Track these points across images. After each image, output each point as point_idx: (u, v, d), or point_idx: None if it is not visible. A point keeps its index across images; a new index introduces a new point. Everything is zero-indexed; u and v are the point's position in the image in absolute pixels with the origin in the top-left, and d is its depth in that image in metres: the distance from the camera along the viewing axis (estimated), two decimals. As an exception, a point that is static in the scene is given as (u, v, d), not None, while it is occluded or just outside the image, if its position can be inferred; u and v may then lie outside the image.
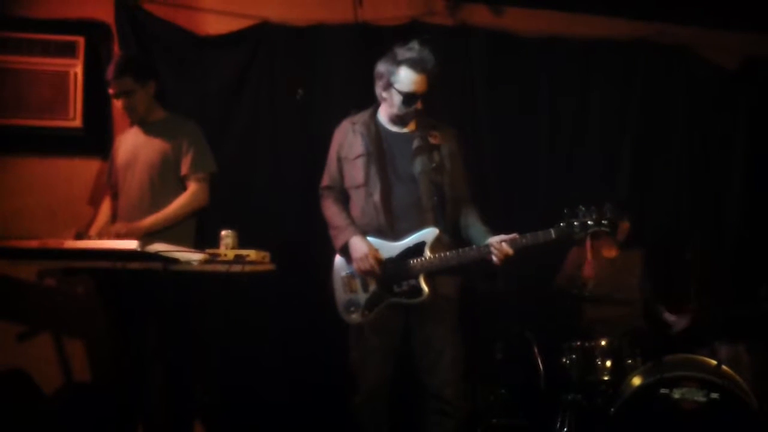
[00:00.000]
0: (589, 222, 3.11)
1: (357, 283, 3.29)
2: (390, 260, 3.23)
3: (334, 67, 4.30)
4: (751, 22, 4.78)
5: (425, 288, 3.19)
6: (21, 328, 3.91)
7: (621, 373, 3.80)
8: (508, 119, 4.59)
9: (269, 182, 4.22)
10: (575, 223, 3.11)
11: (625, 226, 4.33)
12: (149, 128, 3.62)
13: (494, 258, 3.15)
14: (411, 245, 3.22)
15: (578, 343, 3.92)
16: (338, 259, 3.37)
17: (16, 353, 3.84)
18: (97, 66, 3.86)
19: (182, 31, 4.13)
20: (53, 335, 3.94)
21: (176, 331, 3.43)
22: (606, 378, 3.83)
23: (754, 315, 3.83)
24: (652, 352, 3.71)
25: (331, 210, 3.39)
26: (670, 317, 4.26)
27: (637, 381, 3.55)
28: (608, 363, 3.84)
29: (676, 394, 3.33)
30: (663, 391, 3.35)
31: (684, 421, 3.30)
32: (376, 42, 4.32)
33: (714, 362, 3.49)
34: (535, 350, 4.13)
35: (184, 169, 3.58)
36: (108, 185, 3.76)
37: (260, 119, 4.24)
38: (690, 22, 4.80)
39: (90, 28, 3.98)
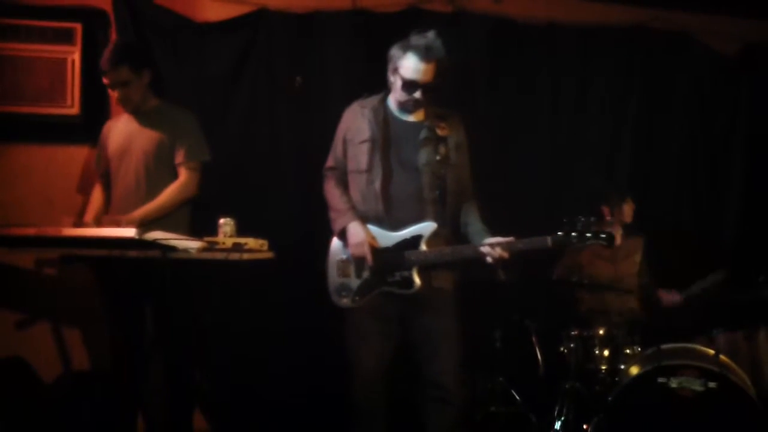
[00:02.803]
0: (587, 234, 3.10)
1: (351, 269, 3.29)
2: (386, 249, 3.23)
3: (333, 54, 4.28)
4: (752, 9, 4.76)
5: (417, 280, 3.19)
6: (19, 316, 3.92)
7: (619, 361, 3.81)
8: (508, 106, 4.57)
9: (268, 170, 4.21)
10: (573, 234, 3.10)
11: (630, 207, 4.33)
12: (143, 116, 3.60)
13: (489, 259, 3.16)
14: (408, 237, 3.22)
15: (577, 332, 3.93)
16: (335, 243, 3.37)
17: (14, 341, 3.84)
18: (95, 53, 3.83)
19: (180, 17, 4.11)
20: (51, 323, 3.95)
21: (175, 319, 3.44)
22: (604, 367, 3.85)
23: (753, 302, 3.84)
24: (651, 341, 3.71)
25: (333, 192, 3.38)
26: (664, 295, 4.26)
27: (635, 370, 3.56)
28: (606, 352, 3.86)
29: (674, 383, 3.34)
30: (661, 380, 3.36)
31: (682, 410, 3.30)
32: (374, 28, 4.31)
33: (712, 351, 3.50)
34: (534, 339, 4.15)
35: (178, 157, 3.57)
36: (97, 172, 3.75)
37: (259, 106, 4.22)
38: (690, 8, 4.78)
39: (87, 15, 3.95)
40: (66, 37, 3.89)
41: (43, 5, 3.91)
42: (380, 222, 3.25)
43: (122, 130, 3.63)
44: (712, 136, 4.87)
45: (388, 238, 3.24)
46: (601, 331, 3.90)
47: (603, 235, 3.11)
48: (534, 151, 4.62)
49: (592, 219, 3.10)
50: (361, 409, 3.32)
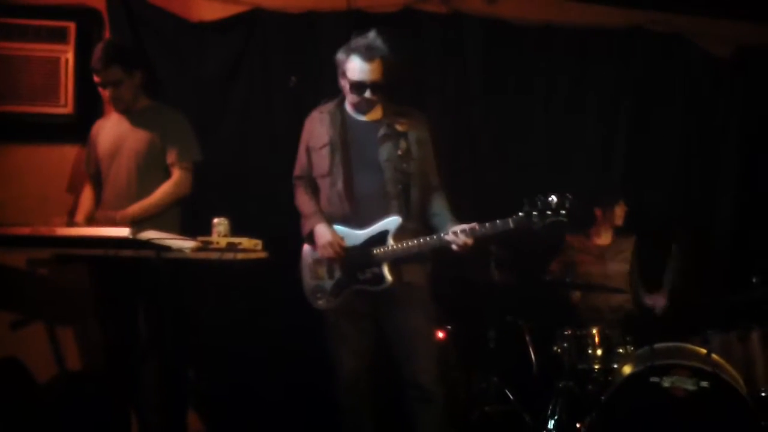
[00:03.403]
0: (547, 212, 3.08)
1: (323, 270, 3.33)
2: (354, 248, 3.26)
3: (327, 54, 4.24)
4: (744, 12, 4.78)
5: (388, 276, 3.21)
6: (13, 317, 3.91)
7: (612, 361, 3.82)
8: (504, 107, 4.58)
9: (262, 169, 4.21)
10: (534, 212, 3.09)
11: (621, 209, 4.34)
12: (134, 116, 3.61)
13: (454, 247, 3.17)
14: (374, 234, 3.24)
15: (570, 332, 3.94)
16: (306, 247, 3.41)
17: (8, 341, 3.83)
18: (89, 52, 3.81)
19: (174, 17, 4.11)
20: (45, 323, 3.94)
21: (168, 319, 3.44)
22: (597, 366, 3.85)
23: (747, 303, 3.85)
24: (643, 340, 3.72)
25: (301, 198, 3.45)
26: (649, 300, 4.27)
27: (627, 369, 3.57)
28: (599, 351, 3.87)
29: (666, 383, 3.34)
30: (653, 379, 3.36)
31: (674, 409, 3.30)
32: (368, 29, 4.31)
33: (704, 350, 3.50)
34: (528, 338, 4.16)
35: (170, 158, 3.58)
36: (87, 172, 3.75)
37: (253, 106, 4.23)
38: (684, 10, 4.80)
39: (81, 14, 3.95)
40: (59, 36, 3.88)
41: (37, 4, 3.91)
42: (347, 222, 3.28)
43: (112, 130, 3.63)
44: (706, 137, 4.89)
45: (356, 236, 3.27)
46: (594, 331, 3.91)
47: (563, 211, 3.06)
48: (530, 152, 4.63)
49: (552, 198, 3.07)
50: (347, 408, 3.36)
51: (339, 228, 3.28)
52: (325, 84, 4.24)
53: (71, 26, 3.90)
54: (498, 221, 3.14)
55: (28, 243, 3.27)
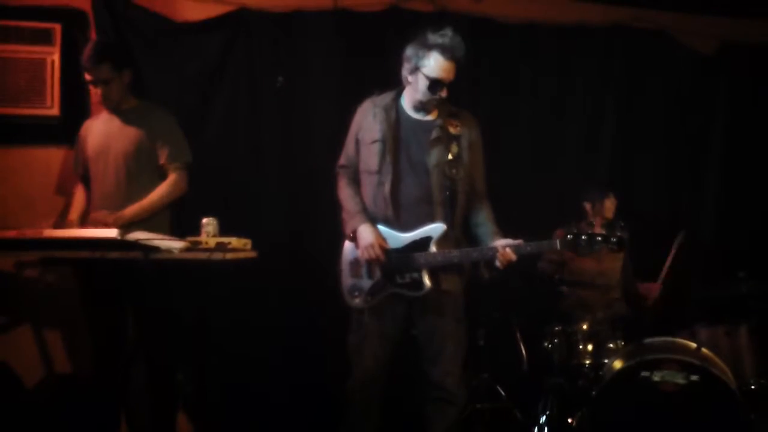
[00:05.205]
0: (597, 238, 3.09)
1: (363, 269, 3.28)
2: (396, 251, 3.22)
3: (314, 54, 4.28)
4: (727, 8, 4.81)
5: (427, 282, 3.19)
6: (0, 320, 3.87)
7: (602, 356, 3.84)
8: (489, 105, 4.58)
9: (249, 169, 4.20)
10: (583, 237, 3.09)
11: (611, 202, 4.35)
12: (122, 116, 3.59)
13: (497, 263, 3.15)
14: (417, 239, 3.21)
15: (560, 328, 3.95)
16: (347, 244, 3.36)
17: (-5, 345, 3.82)
18: (75, 53, 3.81)
19: (160, 17, 4.09)
20: (33, 326, 3.91)
21: (157, 320, 3.42)
22: (588, 361, 3.87)
23: (733, 297, 3.88)
24: (633, 336, 3.74)
25: (345, 192, 3.37)
26: (643, 288, 4.30)
27: (618, 364, 3.59)
28: (590, 347, 3.89)
29: (657, 377, 3.36)
30: (644, 373, 3.38)
31: (664, 403, 3.33)
32: (355, 28, 4.32)
33: (694, 345, 3.53)
34: (518, 335, 4.17)
35: (162, 159, 3.56)
36: (76, 173, 3.73)
37: (239, 106, 4.21)
38: (668, 7, 4.82)
39: (67, 15, 3.93)
40: (45, 37, 3.86)
41: (22, 5, 3.88)
42: (389, 223, 3.24)
43: (101, 130, 3.61)
44: (690, 134, 4.91)
45: (399, 239, 3.23)
46: (584, 327, 3.93)
47: (613, 239, 3.11)
48: (515, 149, 4.64)
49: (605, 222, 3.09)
50: (356, 409, 3.32)
51: (382, 229, 3.23)
52: (311, 83, 4.26)
53: (57, 28, 3.87)
54: (545, 242, 3.17)
55: (14, 246, 3.24)
